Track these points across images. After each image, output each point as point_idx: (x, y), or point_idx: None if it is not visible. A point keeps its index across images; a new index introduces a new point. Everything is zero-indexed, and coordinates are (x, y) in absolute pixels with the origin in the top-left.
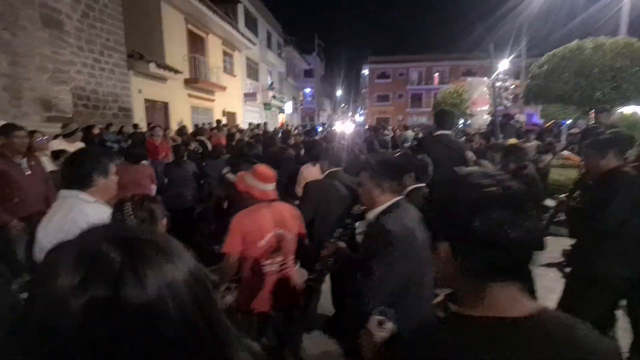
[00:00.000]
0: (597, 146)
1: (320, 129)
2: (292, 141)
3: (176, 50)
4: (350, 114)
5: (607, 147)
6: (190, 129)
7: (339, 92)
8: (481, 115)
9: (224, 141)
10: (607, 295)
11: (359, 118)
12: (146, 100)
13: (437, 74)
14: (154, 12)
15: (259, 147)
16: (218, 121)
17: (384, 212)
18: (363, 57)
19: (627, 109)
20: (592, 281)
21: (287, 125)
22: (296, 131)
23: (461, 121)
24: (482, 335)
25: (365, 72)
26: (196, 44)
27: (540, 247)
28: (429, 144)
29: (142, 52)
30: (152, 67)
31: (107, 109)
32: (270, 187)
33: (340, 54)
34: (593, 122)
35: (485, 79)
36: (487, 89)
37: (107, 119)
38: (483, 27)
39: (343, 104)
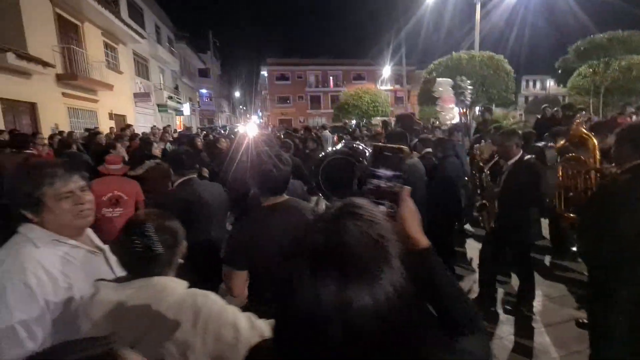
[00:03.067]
0: None
1: (222, 131)
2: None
3: (42, 39)
4: (249, 115)
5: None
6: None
7: (237, 93)
8: (450, 111)
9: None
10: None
11: (259, 120)
12: (3, 100)
13: (332, 78)
14: None
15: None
16: (128, 125)
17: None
18: (260, 58)
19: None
20: None
21: (189, 128)
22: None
23: (360, 121)
24: (267, 212)
25: (265, 73)
26: (69, 32)
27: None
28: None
29: None
30: (11, 59)
31: None
32: (115, 167)
33: (237, 54)
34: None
35: (449, 80)
36: (453, 89)
37: None
38: (370, 38)
39: (241, 106)
